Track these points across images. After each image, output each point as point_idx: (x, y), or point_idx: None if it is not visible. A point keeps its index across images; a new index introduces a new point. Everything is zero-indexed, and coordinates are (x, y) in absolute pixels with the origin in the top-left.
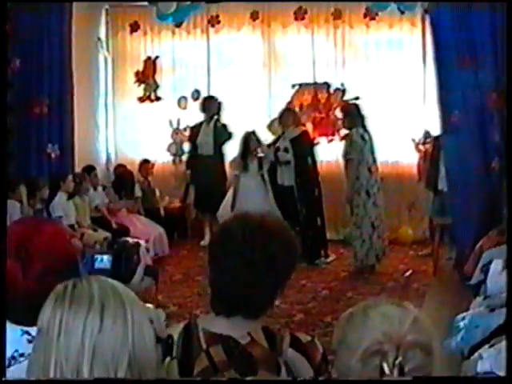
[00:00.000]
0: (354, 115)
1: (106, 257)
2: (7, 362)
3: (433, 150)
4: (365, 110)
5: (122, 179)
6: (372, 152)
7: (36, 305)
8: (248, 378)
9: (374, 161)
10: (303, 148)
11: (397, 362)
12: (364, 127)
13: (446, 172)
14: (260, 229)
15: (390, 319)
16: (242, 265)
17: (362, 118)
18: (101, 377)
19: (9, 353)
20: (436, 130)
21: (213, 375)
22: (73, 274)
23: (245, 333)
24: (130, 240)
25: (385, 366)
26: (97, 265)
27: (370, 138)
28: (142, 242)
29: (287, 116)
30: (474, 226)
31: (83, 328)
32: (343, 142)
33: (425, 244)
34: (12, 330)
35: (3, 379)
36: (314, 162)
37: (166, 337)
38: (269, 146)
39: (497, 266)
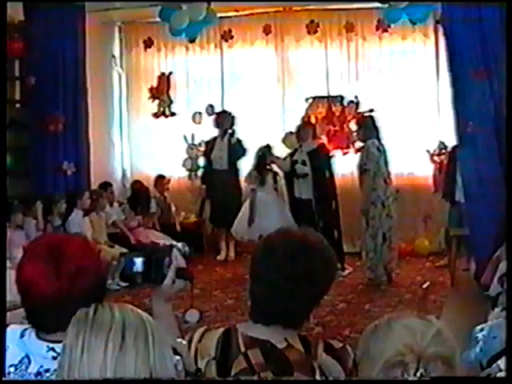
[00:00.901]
0: (369, 127)
1: (139, 260)
2: (33, 378)
3: (449, 161)
4: (379, 122)
5: (138, 195)
6: (386, 164)
7: (68, 308)
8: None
9: (389, 173)
10: (321, 161)
11: (418, 374)
12: (379, 139)
13: (462, 183)
14: (301, 245)
15: (412, 331)
16: (282, 278)
17: (376, 130)
18: None
19: (34, 369)
20: (451, 141)
21: (250, 377)
22: (103, 276)
23: (282, 338)
24: (162, 243)
25: (406, 377)
26: (133, 268)
27: (385, 150)
28: (178, 244)
29: (306, 129)
30: (492, 236)
31: (105, 346)
32: (359, 154)
33: (442, 255)
34: (38, 347)
35: (3, 379)
36: (332, 174)
37: (194, 370)
38: (284, 158)
39: None
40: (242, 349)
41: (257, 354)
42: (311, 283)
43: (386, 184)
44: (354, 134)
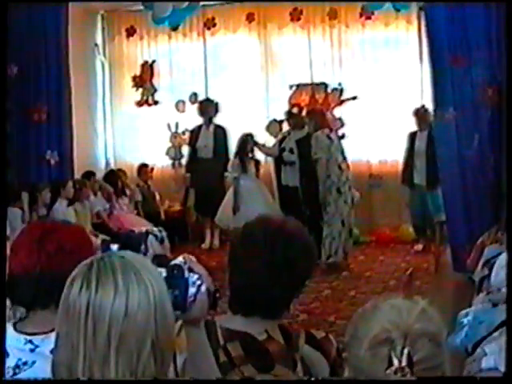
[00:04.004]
0: (319, 119)
1: (115, 247)
2: (11, 372)
3: (408, 147)
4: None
5: (109, 179)
6: (342, 151)
7: (45, 284)
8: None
9: (344, 159)
10: (308, 149)
11: (405, 351)
12: (330, 129)
13: (440, 169)
14: (281, 232)
15: (398, 309)
16: (261, 267)
17: (327, 121)
18: (125, 361)
19: (12, 362)
20: (410, 127)
21: (230, 370)
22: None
23: (262, 330)
24: (137, 230)
25: (393, 355)
26: None
27: (338, 138)
28: (154, 229)
29: (296, 117)
30: (469, 222)
31: (110, 316)
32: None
33: (426, 242)
34: (15, 340)
35: (3, 379)
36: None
37: (213, 290)
38: (274, 145)
39: (501, 260)
40: (221, 341)
41: (236, 346)
42: (291, 271)
43: (341, 170)
44: (338, 121)
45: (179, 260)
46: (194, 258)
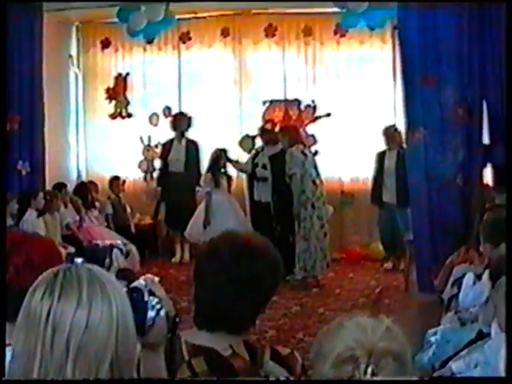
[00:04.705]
0: (293, 135)
1: (80, 260)
2: None
3: (377, 165)
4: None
5: (79, 191)
6: (315, 167)
7: (13, 297)
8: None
9: (318, 174)
10: (281, 165)
11: (369, 369)
12: (304, 145)
13: (409, 188)
14: (246, 248)
15: (362, 327)
16: (227, 282)
17: (301, 137)
18: (82, 375)
19: None
20: (379, 146)
21: None
22: None
23: (227, 345)
24: (102, 243)
25: (357, 373)
26: None
27: (311, 153)
28: (118, 242)
29: (270, 133)
30: (435, 244)
31: (70, 326)
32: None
33: (398, 260)
34: None
35: (3, 379)
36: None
37: (173, 315)
38: (247, 161)
39: (468, 279)
40: (186, 357)
41: (200, 362)
42: (256, 286)
43: (315, 186)
44: (310, 138)
45: (140, 282)
46: (156, 280)
